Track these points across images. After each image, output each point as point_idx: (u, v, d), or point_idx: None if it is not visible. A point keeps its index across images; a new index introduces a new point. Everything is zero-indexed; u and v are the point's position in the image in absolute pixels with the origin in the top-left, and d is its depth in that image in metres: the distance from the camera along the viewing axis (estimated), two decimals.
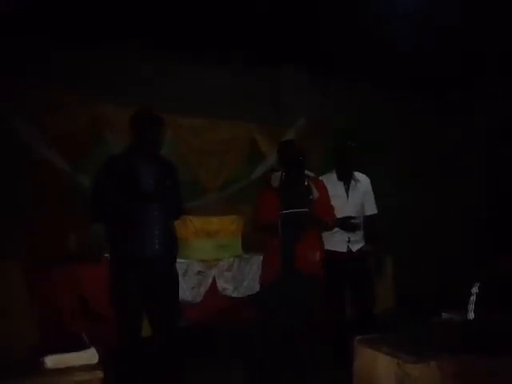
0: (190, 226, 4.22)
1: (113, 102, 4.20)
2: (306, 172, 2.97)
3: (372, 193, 3.41)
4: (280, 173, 2.96)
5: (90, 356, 1.70)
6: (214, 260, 4.00)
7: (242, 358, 2.91)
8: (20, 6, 3.53)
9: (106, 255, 3.75)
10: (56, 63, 4.05)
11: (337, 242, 3.24)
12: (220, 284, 3.92)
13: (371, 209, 3.38)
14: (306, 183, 2.91)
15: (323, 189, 2.99)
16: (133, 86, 4.31)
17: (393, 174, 5.13)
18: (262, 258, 3.19)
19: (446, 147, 5.54)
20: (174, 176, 2.75)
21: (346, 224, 3.17)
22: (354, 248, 3.26)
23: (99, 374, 1.66)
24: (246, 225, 4.20)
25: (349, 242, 3.25)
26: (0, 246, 3.49)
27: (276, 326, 2.81)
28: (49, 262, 3.48)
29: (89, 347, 1.73)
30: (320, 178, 3.34)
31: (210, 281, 3.88)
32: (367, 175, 3.46)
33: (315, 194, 2.88)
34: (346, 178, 3.31)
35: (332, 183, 3.28)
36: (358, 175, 3.38)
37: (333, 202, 3.21)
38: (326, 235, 3.28)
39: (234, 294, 3.95)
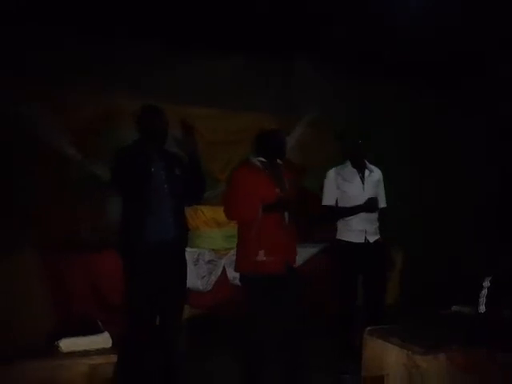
0: (200, 216, 4.25)
1: (125, 94, 4.21)
2: (278, 161, 2.94)
3: (383, 186, 3.39)
4: (257, 159, 2.89)
5: (103, 340, 1.74)
6: (224, 249, 4.03)
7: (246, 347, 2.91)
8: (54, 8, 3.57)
9: None
10: (69, 55, 4.06)
11: (354, 232, 3.23)
12: (230, 273, 3.94)
13: (382, 202, 3.37)
14: (280, 169, 2.90)
15: (293, 176, 3.01)
16: (145, 77, 4.31)
17: (405, 167, 5.09)
18: None
19: (459, 141, 5.48)
20: (182, 165, 2.78)
21: (371, 203, 3.16)
22: (372, 239, 3.25)
23: (113, 357, 1.70)
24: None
25: (366, 232, 3.23)
26: (15, 234, 3.55)
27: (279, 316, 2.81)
28: (62, 251, 3.54)
29: (102, 331, 1.77)
30: (334, 169, 3.35)
31: (220, 270, 3.91)
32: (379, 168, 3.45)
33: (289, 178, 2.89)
34: (361, 167, 3.31)
35: (347, 172, 3.28)
36: (372, 167, 3.37)
37: (347, 189, 3.23)
38: (341, 225, 3.28)
39: None
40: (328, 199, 3.30)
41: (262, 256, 2.77)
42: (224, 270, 3.93)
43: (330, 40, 4.45)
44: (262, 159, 2.86)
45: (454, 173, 5.40)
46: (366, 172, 3.31)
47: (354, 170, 3.30)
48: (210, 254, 3.94)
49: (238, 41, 4.51)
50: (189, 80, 4.50)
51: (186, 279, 2.82)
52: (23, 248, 3.42)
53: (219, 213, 4.27)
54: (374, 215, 3.27)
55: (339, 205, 3.29)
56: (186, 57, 4.56)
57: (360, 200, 3.21)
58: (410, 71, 4.97)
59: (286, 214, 2.82)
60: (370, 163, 3.38)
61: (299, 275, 2.88)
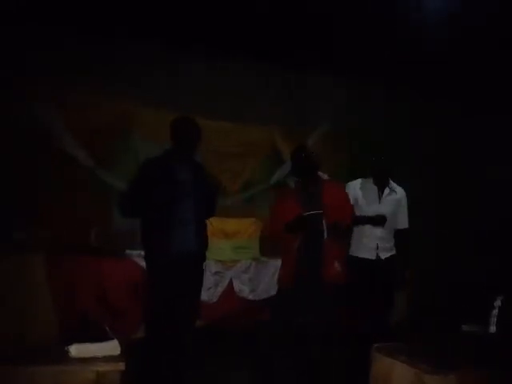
0: (208, 227, 4.25)
1: (138, 100, 4.27)
2: (320, 174, 2.95)
3: (406, 207, 3.37)
4: (295, 178, 2.96)
5: (112, 347, 1.74)
6: (231, 261, 4.03)
7: (252, 360, 2.91)
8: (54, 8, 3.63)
9: (127, 251, 3.85)
10: (83, 60, 4.11)
11: (365, 248, 3.23)
12: (237, 285, 3.94)
13: (403, 223, 3.35)
14: (320, 186, 2.89)
15: (338, 190, 2.97)
16: (158, 86, 4.37)
17: (416, 181, 5.07)
18: (279, 261, 3.18)
19: (474, 157, 5.45)
20: (206, 177, 2.82)
21: (377, 219, 3.15)
22: (383, 256, 3.24)
23: (121, 365, 1.70)
24: (264, 228, 4.22)
25: (377, 249, 3.22)
26: (23, 237, 3.57)
27: (291, 330, 2.80)
28: (71, 255, 3.55)
29: (112, 339, 1.77)
30: (354, 181, 3.35)
31: (226, 282, 3.91)
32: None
33: (329, 196, 2.85)
34: (382, 184, 3.30)
35: (367, 188, 3.29)
36: (395, 186, 3.36)
37: (362, 203, 3.23)
38: (354, 241, 3.28)
39: (251, 297, 3.97)
40: None
41: (281, 271, 2.93)
42: (230, 282, 3.93)
43: (342, 52, 4.48)
44: (296, 178, 2.91)
45: (467, 188, 5.36)
46: (386, 190, 3.30)
47: (375, 187, 3.30)
48: (217, 265, 3.94)
49: (249, 53, 4.56)
50: (200, 92, 4.55)
51: (200, 290, 2.86)
52: (33, 252, 3.43)
53: (227, 224, 4.31)
54: (387, 233, 3.25)
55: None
56: (199, 69, 4.62)
57: (375, 213, 3.21)
58: (426, 85, 4.99)
59: (312, 231, 2.78)
60: (395, 182, 3.37)
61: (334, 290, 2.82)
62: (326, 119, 5.02)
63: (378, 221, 3.19)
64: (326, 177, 2.96)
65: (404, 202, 3.37)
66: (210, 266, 3.90)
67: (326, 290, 2.77)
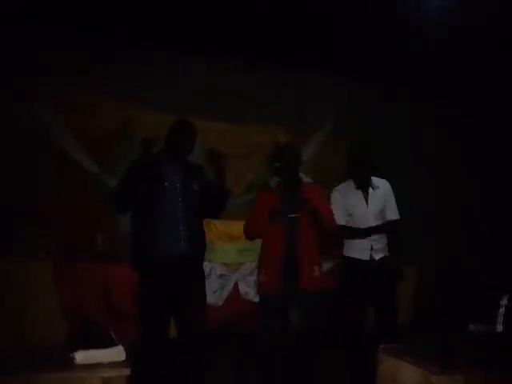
0: (213, 230, 4.26)
1: (139, 101, 4.28)
2: (301, 176, 2.92)
3: (393, 197, 3.29)
4: (276, 178, 2.92)
5: (117, 353, 1.74)
6: (236, 264, 4.03)
7: (258, 362, 2.89)
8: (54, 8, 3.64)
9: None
10: (83, 60, 4.12)
11: (358, 249, 3.18)
12: (242, 288, 3.94)
13: (393, 213, 3.26)
14: (300, 188, 2.85)
15: (319, 194, 2.93)
16: (158, 87, 4.38)
17: (418, 179, 5.05)
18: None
19: (477, 158, 5.42)
20: (203, 178, 2.79)
21: (390, 227, 3.16)
22: (377, 256, 3.20)
23: (126, 371, 1.70)
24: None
25: (371, 249, 3.18)
26: (27, 243, 3.59)
27: (292, 332, 2.79)
28: (76, 260, 3.57)
29: (117, 345, 1.77)
30: (337, 187, 3.28)
31: (232, 284, 3.91)
32: (388, 180, 3.37)
33: (310, 199, 2.80)
34: (364, 186, 3.24)
35: (350, 192, 3.23)
36: (377, 181, 3.27)
37: (352, 211, 3.18)
38: (347, 242, 3.25)
39: (256, 299, 3.95)
40: (339, 219, 3.21)
41: (262, 276, 2.84)
42: (236, 285, 3.93)
43: (342, 52, 4.48)
44: (277, 179, 2.88)
45: (469, 189, 5.33)
46: (370, 190, 3.23)
47: (358, 190, 3.23)
48: (222, 268, 3.94)
49: (249, 53, 4.56)
50: (202, 94, 4.55)
51: (203, 293, 2.80)
52: (38, 257, 3.46)
53: (232, 226, 4.30)
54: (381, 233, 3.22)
55: (348, 224, 3.24)
56: (200, 71, 4.63)
57: (365, 220, 3.16)
58: (426, 85, 4.97)
59: (293, 234, 2.77)
60: (379, 176, 3.31)
61: (314, 297, 2.80)
62: (327, 119, 5.01)
63: (390, 228, 3.17)
64: (307, 180, 2.93)
65: (389, 193, 3.27)
66: (216, 269, 3.90)
67: (307, 295, 2.76)
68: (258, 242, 4.32)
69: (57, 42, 4.02)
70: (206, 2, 3.73)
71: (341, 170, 4.69)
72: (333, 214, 3.00)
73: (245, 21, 4.00)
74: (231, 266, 4.01)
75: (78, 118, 4.15)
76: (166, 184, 2.63)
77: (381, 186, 3.27)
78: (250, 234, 3.00)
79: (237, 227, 4.22)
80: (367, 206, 3.20)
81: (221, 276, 3.89)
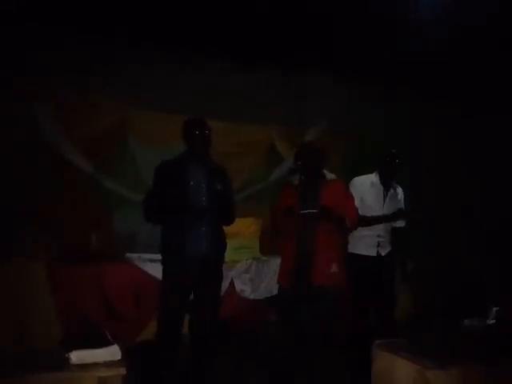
0: None
1: (138, 101, 4.27)
2: (325, 172, 2.92)
3: (403, 204, 3.35)
4: (299, 174, 2.90)
5: (113, 353, 1.74)
6: (232, 261, 4.02)
7: (254, 359, 2.91)
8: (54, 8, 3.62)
9: (127, 255, 3.86)
10: (83, 60, 4.11)
11: (366, 245, 3.21)
12: (238, 285, 3.94)
13: (400, 221, 3.33)
14: (321, 185, 2.84)
15: (340, 190, 2.90)
16: (158, 87, 4.37)
17: (418, 177, 5.07)
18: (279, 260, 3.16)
19: (469, 150, 5.45)
20: (225, 180, 2.80)
21: (396, 216, 3.18)
22: (384, 252, 3.24)
23: (122, 370, 1.70)
24: (264, 226, 4.21)
25: (378, 245, 3.21)
26: (24, 244, 3.58)
27: (292, 329, 2.80)
28: (72, 261, 3.56)
29: (112, 344, 1.77)
30: (362, 177, 3.31)
31: (228, 282, 3.90)
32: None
33: (328, 195, 2.79)
34: (388, 185, 3.28)
35: (372, 185, 3.26)
36: (396, 186, 3.35)
37: (369, 203, 3.20)
38: (353, 239, 3.27)
39: (252, 296, 3.96)
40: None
41: (279, 271, 2.90)
42: (232, 282, 3.93)
43: (342, 52, 4.48)
44: (298, 177, 2.88)
45: (467, 185, 5.35)
46: (391, 191, 3.28)
47: (381, 186, 3.27)
48: None
49: (249, 53, 4.56)
50: (200, 93, 4.54)
51: (219, 293, 2.86)
52: (33, 258, 3.44)
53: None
54: (387, 230, 3.26)
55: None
56: (196, 71, 4.61)
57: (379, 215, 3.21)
58: (426, 85, 4.98)
59: (307, 230, 2.75)
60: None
61: (329, 294, 2.77)
62: (326, 119, 5.01)
63: (395, 217, 3.19)
64: (332, 176, 2.91)
65: (402, 199, 3.36)
66: None
67: (321, 291, 2.73)
68: (254, 239, 4.35)
69: (57, 42, 4.01)
70: (206, 1, 3.71)
71: (337, 165, 4.74)
72: (355, 211, 2.93)
73: (244, 21, 4.00)
74: (227, 263, 4.00)
75: (76, 118, 4.14)
76: (191, 183, 2.66)
77: (399, 192, 3.35)
78: (272, 227, 3.05)
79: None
80: (384, 204, 3.24)
81: None
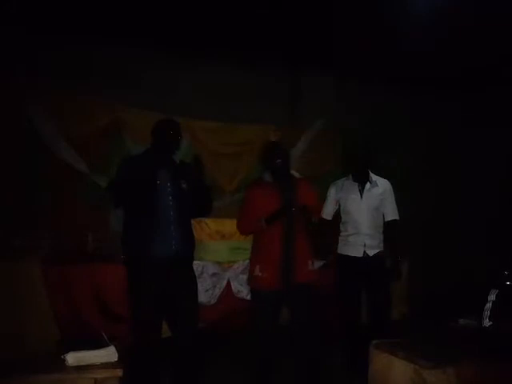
0: (205, 228, 4.25)
1: (131, 106, 4.27)
2: (292, 172, 2.91)
3: (393, 197, 3.32)
4: (272, 173, 2.86)
5: (109, 354, 1.73)
6: (228, 262, 4.02)
7: (250, 360, 2.90)
8: (50, 7, 3.61)
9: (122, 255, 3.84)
10: (77, 67, 4.12)
11: (353, 246, 3.22)
12: (235, 286, 3.93)
13: (391, 214, 3.30)
14: (294, 184, 2.84)
15: (309, 188, 2.91)
16: (150, 90, 4.37)
17: (408, 174, 5.09)
18: None
19: (461, 147, 5.48)
20: (192, 177, 2.77)
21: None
22: (371, 253, 3.22)
23: (118, 371, 1.69)
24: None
25: (365, 246, 3.21)
26: (19, 245, 3.56)
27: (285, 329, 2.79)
28: (68, 261, 3.54)
29: (108, 345, 1.76)
30: (335, 182, 3.36)
31: (224, 283, 3.91)
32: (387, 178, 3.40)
33: (303, 194, 2.80)
34: (361, 180, 3.28)
35: (348, 185, 3.28)
36: (378, 179, 3.32)
37: (346, 204, 3.23)
38: (341, 239, 3.28)
39: (249, 297, 3.95)
40: (325, 213, 3.30)
41: (257, 271, 2.78)
42: (228, 283, 3.92)
43: (342, 52, 4.48)
44: (271, 175, 2.85)
45: (459, 183, 5.38)
46: (367, 185, 3.27)
47: (355, 183, 3.28)
48: (214, 266, 3.93)
49: (243, 54, 4.56)
50: (194, 93, 4.54)
51: (195, 292, 2.79)
52: (26, 258, 3.43)
53: (224, 225, 4.29)
54: (374, 230, 3.24)
55: (342, 218, 3.29)
56: (192, 70, 4.61)
57: (359, 211, 3.20)
58: (420, 81, 4.99)
59: (289, 227, 2.75)
60: (379, 175, 3.34)
61: (309, 291, 2.78)
62: (325, 118, 5.02)
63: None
64: (297, 175, 2.92)
65: (389, 192, 3.31)
66: (208, 268, 3.89)
67: (307, 289, 2.74)
68: (251, 240, 4.35)
69: (54, 42, 4.01)
70: (203, 1, 3.71)
71: (332, 166, 4.75)
72: (321, 207, 3.03)
73: (244, 20, 4.00)
74: (223, 264, 4.01)
75: (72, 118, 4.14)
76: (158, 182, 2.62)
77: (380, 185, 3.31)
78: (246, 232, 2.99)
79: (228, 225, 4.22)
80: (361, 199, 3.23)
81: (213, 275, 3.88)
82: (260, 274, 2.76)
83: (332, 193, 3.32)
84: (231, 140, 4.83)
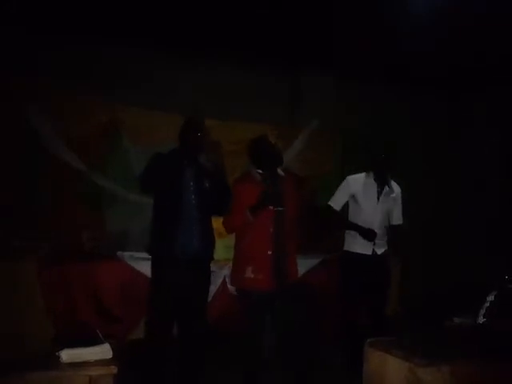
0: None
1: (131, 104, 4.27)
2: (278, 171, 2.88)
3: (401, 203, 3.38)
4: (256, 170, 2.85)
5: (104, 351, 1.72)
6: (224, 260, 4.01)
7: (246, 360, 2.90)
8: (50, 7, 3.60)
9: (118, 253, 3.83)
10: (76, 67, 4.11)
11: (362, 244, 3.23)
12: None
13: (397, 219, 3.36)
14: (281, 180, 2.82)
15: (295, 185, 2.93)
16: (150, 90, 4.38)
17: (415, 177, 5.10)
18: None
19: (461, 147, 5.50)
20: (216, 177, 2.76)
21: (369, 233, 3.17)
22: (379, 251, 3.25)
23: (113, 369, 1.69)
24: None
25: (374, 244, 3.23)
26: (19, 245, 3.56)
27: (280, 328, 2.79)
28: (63, 260, 3.54)
29: (103, 342, 1.75)
30: (352, 175, 3.33)
31: (220, 281, 3.90)
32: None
33: (289, 191, 2.81)
34: (382, 182, 3.29)
35: (367, 183, 3.28)
36: (392, 184, 3.36)
37: (362, 202, 3.23)
38: (349, 237, 3.29)
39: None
40: (335, 202, 3.29)
41: (249, 273, 2.73)
42: (224, 281, 3.92)
43: (342, 52, 4.49)
44: (260, 171, 2.84)
45: (456, 183, 5.39)
46: (386, 188, 3.29)
47: (375, 183, 3.28)
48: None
49: (248, 53, 4.56)
50: (199, 93, 4.54)
51: (208, 290, 2.85)
52: (24, 257, 3.42)
53: (219, 223, 4.28)
54: (383, 229, 3.27)
55: (350, 213, 3.30)
56: (190, 69, 4.60)
57: (371, 214, 3.22)
58: (418, 80, 5.00)
59: (279, 228, 2.75)
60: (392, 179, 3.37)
61: (299, 290, 2.81)
62: (324, 118, 5.03)
63: (368, 235, 3.19)
64: (281, 172, 2.90)
65: (399, 197, 3.37)
66: None
67: (296, 289, 2.76)
68: None
69: (53, 42, 4.01)
70: (205, 1, 3.70)
71: (329, 166, 4.76)
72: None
73: (244, 20, 4.00)
74: (219, 262, 3.99)
75: (70, 118, 4.14)
76: (182, 181, 2.67)
77: (395, 190, 3.35)
78: (231, 228, 2.88)
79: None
80: (378, 201, 3.23)
81: None
82: (253, 276, 2.71)
83: (349, 185, 3.29)
84: (228, 139, 4.82)
